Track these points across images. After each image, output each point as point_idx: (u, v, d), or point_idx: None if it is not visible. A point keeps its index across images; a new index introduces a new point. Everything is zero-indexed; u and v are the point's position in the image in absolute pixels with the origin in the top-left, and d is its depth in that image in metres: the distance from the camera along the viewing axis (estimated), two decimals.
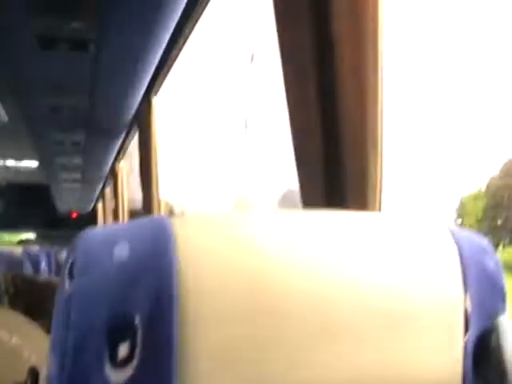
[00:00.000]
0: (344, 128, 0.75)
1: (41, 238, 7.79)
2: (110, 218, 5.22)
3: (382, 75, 0.75)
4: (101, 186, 5.72)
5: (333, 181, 0.77)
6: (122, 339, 0.36)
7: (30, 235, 8.36)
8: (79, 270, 0.37)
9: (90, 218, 7.33)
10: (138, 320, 0.36)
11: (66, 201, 7.26)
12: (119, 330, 0.36)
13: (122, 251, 0.38)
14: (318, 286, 0.41)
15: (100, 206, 6.58)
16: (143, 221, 0.41)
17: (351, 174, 0.75)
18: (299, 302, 0.40)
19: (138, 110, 2.63)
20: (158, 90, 2.33)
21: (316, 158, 0.79)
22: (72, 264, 0.38)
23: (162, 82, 2.25)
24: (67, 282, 0.38)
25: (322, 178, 0.78)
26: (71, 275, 0.38)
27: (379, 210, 0.75)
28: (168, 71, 2.15)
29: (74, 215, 8.44)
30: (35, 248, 3.00)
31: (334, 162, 0.76)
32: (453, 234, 0.49)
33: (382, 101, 0.74)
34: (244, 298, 0.38)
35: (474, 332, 0.47)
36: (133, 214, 4.07)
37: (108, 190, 5.24)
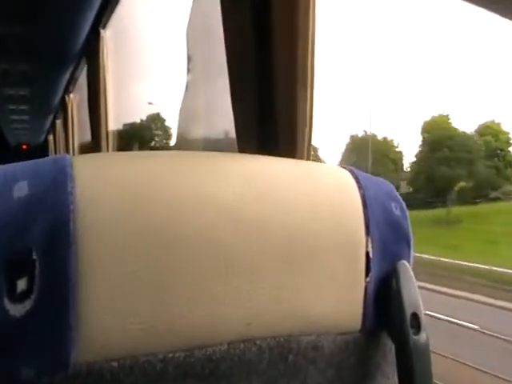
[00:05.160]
0: (277, 84, 0.82)
1: None
2: (61, 149, 5.14)
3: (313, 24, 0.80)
4: (51, 118, 5.58)
5: (266, 133, 0.83)
6: (20, 274, 0.36)
7: None
8: None
9: (42, 150, 7.19)
10: (35, 255, 0.36)
11: (16, 133, 7.05)
12: (17, 264, 0.36)
13: (21, 189, 0.38)
14: (216, 222, 0.41)
15: (51, 138, 6.45)
16: (45, 160, 0.41)
17: (282, 126, 0.81)
18: (196, 238, 0.40)
19: (87, 42, 2.57)
20: (106, 22, 2.28)
21: (251, 111, 0.85)
22: None
23: (110, 14, 2.21)
24: None
25: (256, 133, 0.85)
26: None
27: (308, 159, 0.81)
28: (116, 3, 2.11)
29: (25, 147, 8.23)
30: None
31: (267, 115, 0.83)
32: (358, 179, 0.49)
33: (313, 63, 0.80)
34: (140, 235, 0.39)
35: (375, 275, 0.47)
36: (84, 147, 4.03)
37: (59, 122, 5.13)
